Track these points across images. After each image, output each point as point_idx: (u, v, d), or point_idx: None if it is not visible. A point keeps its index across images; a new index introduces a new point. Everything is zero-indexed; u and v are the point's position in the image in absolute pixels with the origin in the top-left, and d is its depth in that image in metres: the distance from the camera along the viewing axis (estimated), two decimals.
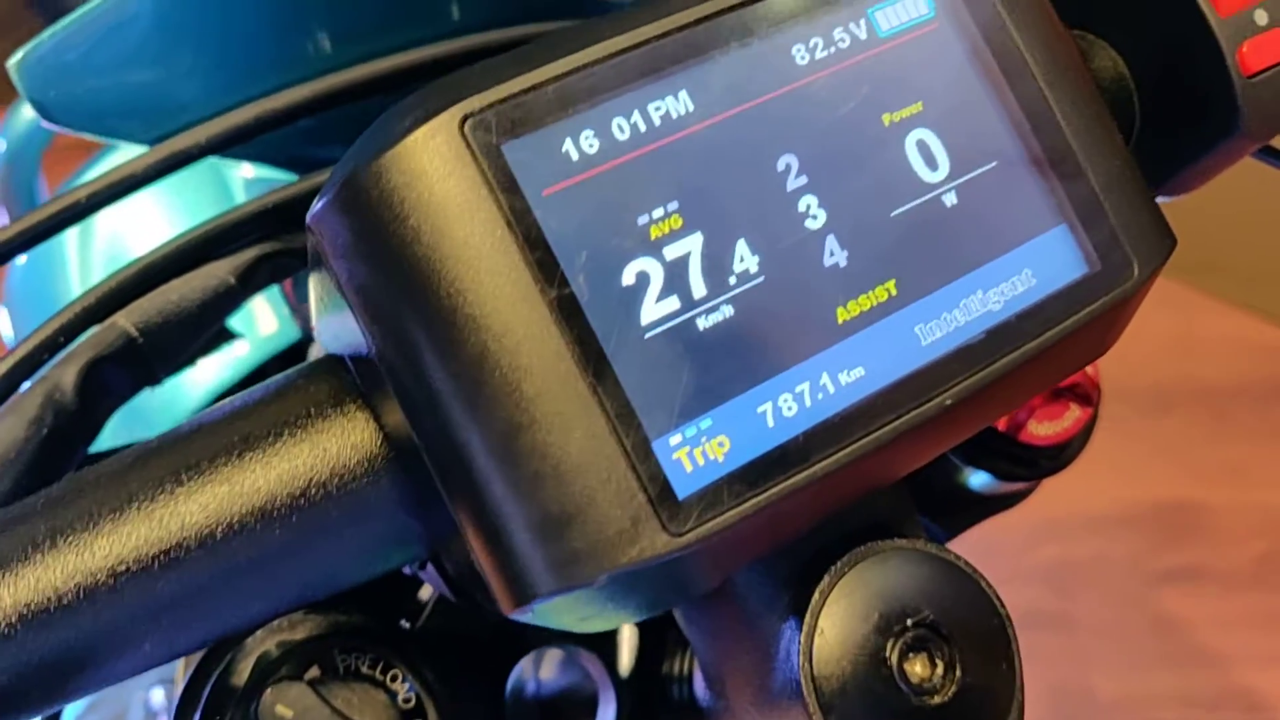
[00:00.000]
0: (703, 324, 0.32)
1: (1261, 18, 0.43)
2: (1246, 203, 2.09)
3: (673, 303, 0.32)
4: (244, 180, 0.69)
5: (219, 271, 0.43)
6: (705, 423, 0.32)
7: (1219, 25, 0.42)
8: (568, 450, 0.30)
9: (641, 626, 0.49)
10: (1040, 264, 0.36)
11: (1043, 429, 0.49)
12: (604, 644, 0.48)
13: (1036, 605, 1.85)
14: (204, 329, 0.43)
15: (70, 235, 0.74)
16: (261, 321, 0.66)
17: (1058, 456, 0.50)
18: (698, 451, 0.32)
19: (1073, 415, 0.50)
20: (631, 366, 0.31)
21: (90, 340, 0.41)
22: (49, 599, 0.32)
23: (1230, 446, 2.01)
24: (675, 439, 0.31)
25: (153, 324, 0.41)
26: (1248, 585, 1.88)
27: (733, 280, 0.33)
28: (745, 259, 0.33)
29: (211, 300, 0.42)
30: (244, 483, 0.34)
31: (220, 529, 0.33)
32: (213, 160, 0.45)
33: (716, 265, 0.33)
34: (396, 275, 0.31)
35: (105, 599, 0.33)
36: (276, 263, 0.44)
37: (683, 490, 0.31)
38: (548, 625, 0.33)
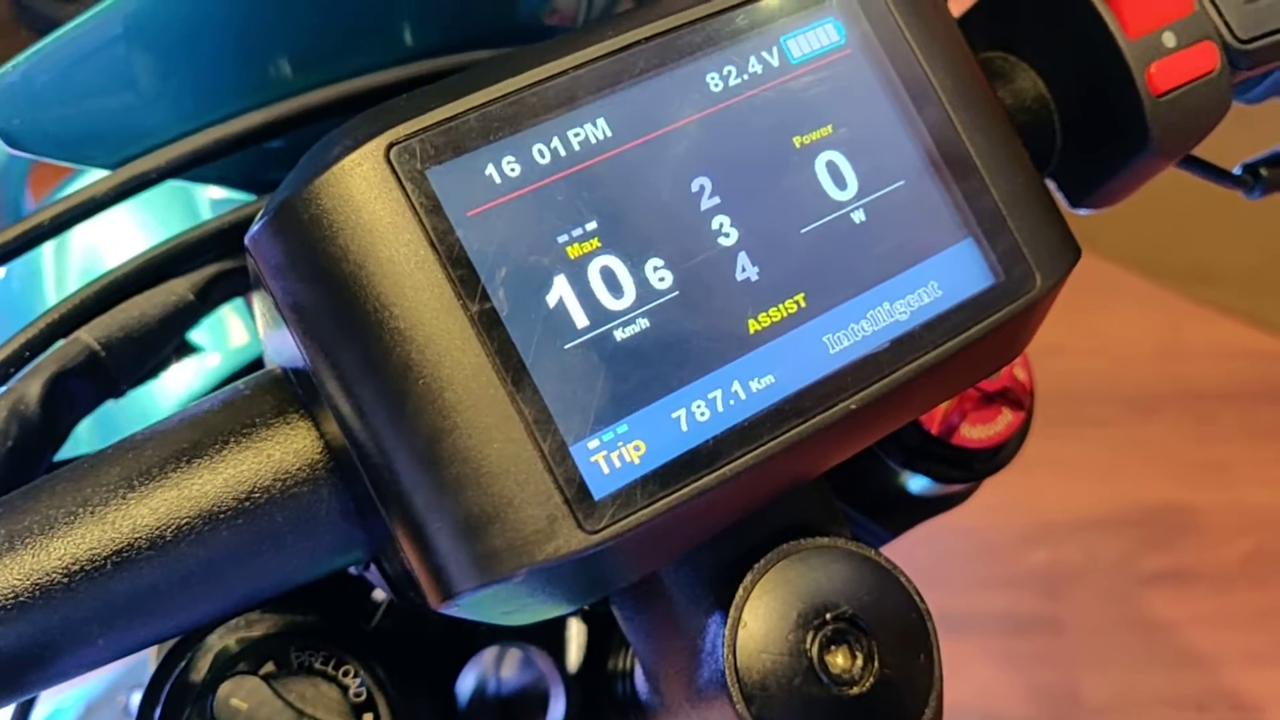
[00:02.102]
0: (619, 335, 0.34)
1: (1169, 40, 0.45)
2: (1235, 212, 2.10)
3: (590, 316, 0.34)
4: (210, 200, 0.71)
5: (178, 288, 0.45)
6: (622, 428, 0.34)
7: (1128, 47, 0.44)
8: (488, 455, 0.32)
9: (589, 624, 0.51)
10: (946, 276, 0.38)
11: (976, 432, 0.51)
12: (553, 642, 0.50)
13: (1025, 608, 1.86)
14: (165, 343, 0.45)
15: (47, 251, 0.76)
16: (232, 334, 0.68)
17: (991, 459, 0.52)
18: (614, 455, 0.34)
19: (1005, 419, 0.52)
20: (550, 376, 0.33)
21: (54, 355, 0.43)
22: (6, 598, 0.34)
23: (1216, 448, 2.02)
24: (593, 443, 0.33)
25: (115, 338, 0.43)
26: (1235, 585, 1.90)
27: (648, 295, 0.35)
28: (660, 275, 0.35)
29: (171, 315, 0.44)
30: (192, 487, 0.36)
31: (170, 531, 0.35)
32: (183, 181, 0.48)
33: (633, 281, 0.35)
34: (326, 293, 0.33)
35: (60, 598, 0.35)
36: (232, 280, 0.46)
37: (599, 491, 0.33)
38: (476, 618, 0.35)
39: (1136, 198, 0.53)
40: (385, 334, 0.33)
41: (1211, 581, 1.90)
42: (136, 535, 0.35)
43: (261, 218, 0.34)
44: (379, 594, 0.47)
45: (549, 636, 0.50)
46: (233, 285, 0.46)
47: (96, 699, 0.84)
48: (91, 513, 0.35)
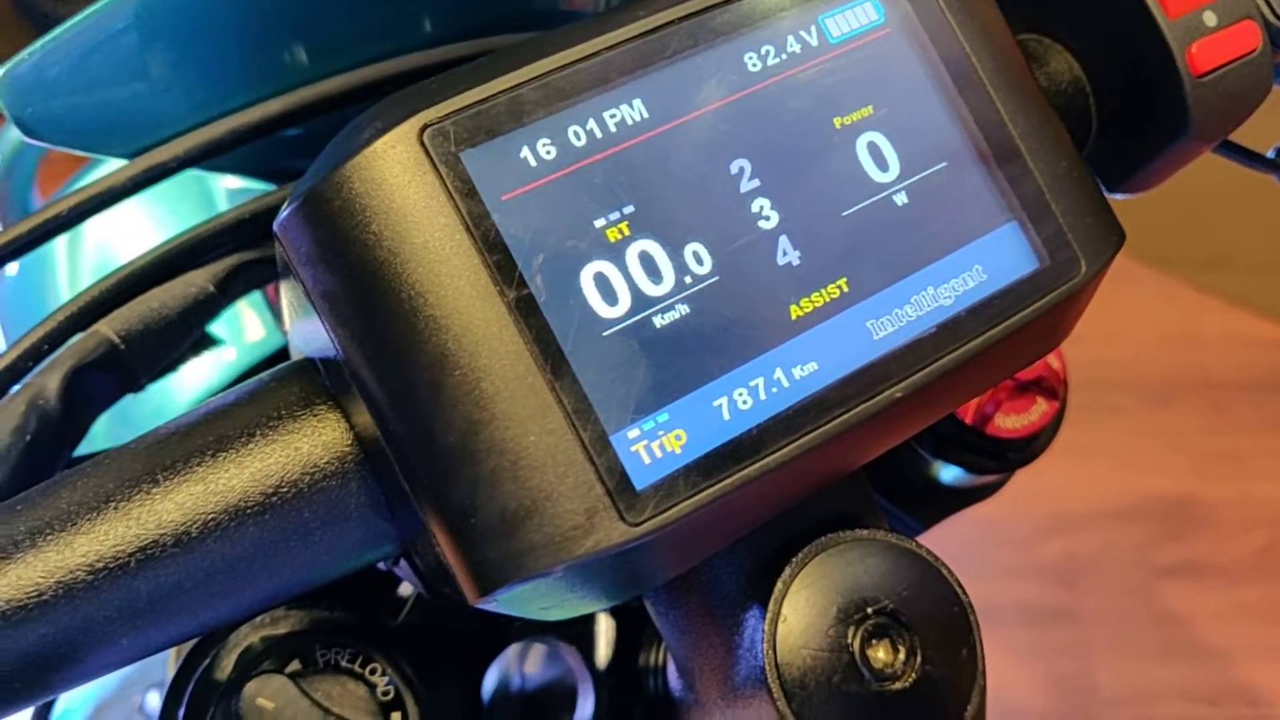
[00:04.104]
0: (659, 322, 0.33)
1: (1210, 19, 0.44)
2: (1251, 202, 2.10)
3: (629, 302, 0.33)
4: (227, 190, 0.70)
5: (198, 279, 0.44)
6: (662, 417, 0.33)
7: (1168, 27, 0.43)
8: (526, 446, 0.31)
9: (619, 619, 0.50)
10: (990, 260, 0.37)
11: (1010, 422, 0.50)
12: (582, 637, 0.50)
13: (1041, 598, 1.86)
14: (184, 335, 0.44)
15: (60, 245, 0.75)
16: (249, 328, 0.67)
17: (1025, 449, 0.51)
18: (655, 445, 0.33)
19: (1039, 409, 0.51)
20: (589, 364, 0.32)
21: (73, 348, 0.42)
22: (29, 596, 0.33)
23: (1232, 439, 2.02)
24: (633, 433, 0.32)
25: (134, 331, 0.43)
26: (1250, 578, 1.89)
27: (688, 280, 0.34)
28: (700, 259, 0.34)
29: (191, 307, 0.43)
30: (218, 482, 0.35)
31: (195, 527, 0.34)
32: (198, 172, 0.47)
33: (671, 266, 0.34)
34: (359, 280, 0.32)
35: (84, 596, 0.34)
36: (253, 271, 0.45)
37: (640, 482, 0.32)
38: (514, 614, 0.34)
39: (1152, 189, 0.52)
40: (420, 322, 0.32)
41: (1226, 574, 1.89)
42: (162, 531, 0.34)
43: (290, 204, 0.33)
44: (405, 589, 0.47)
45: (578, 631, 0.50)
46: (253, 276, 0.45)
47: (108, 697, 0.83)
48: (115, 508, 0.35)
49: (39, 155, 0.91)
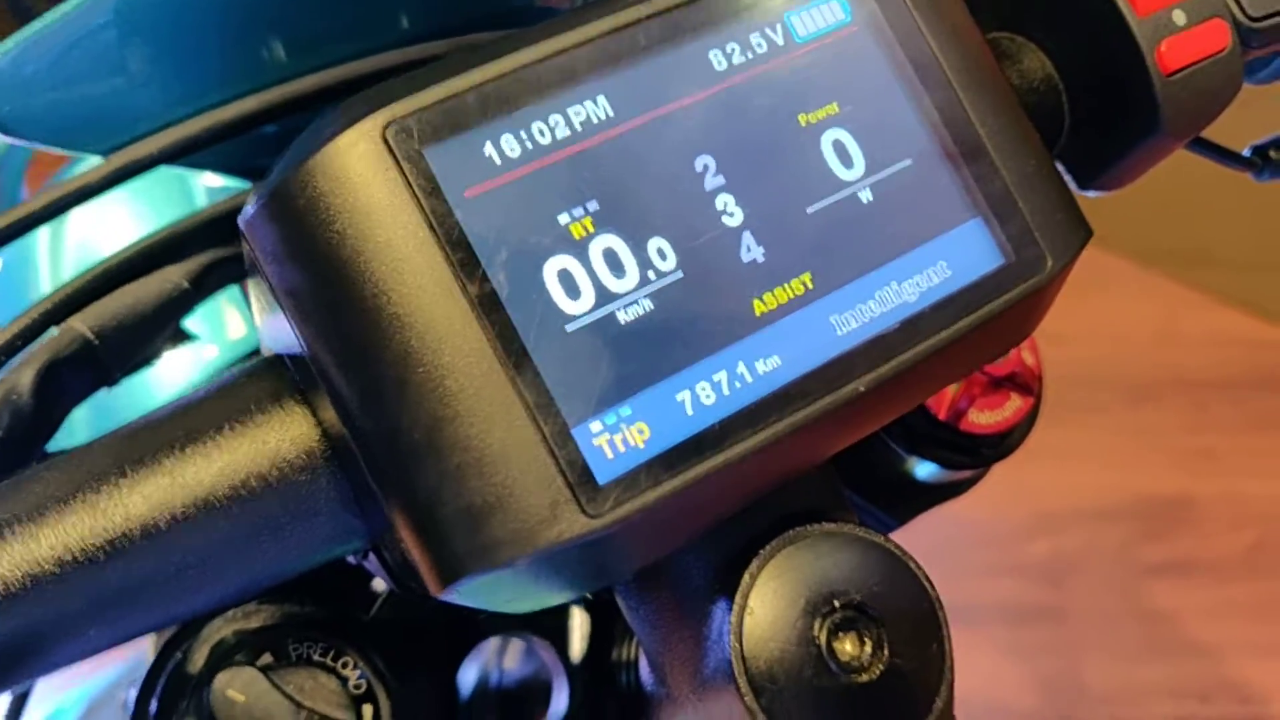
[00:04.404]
0: (622, 317, 0.34)
1: (1180, 18, 0.44)
2: (1232, 199, 2.10)
3: (592, 298, 0.33)
4: (207, 188, 0.70)
5: (173, 276, 0.44)
6: (625, 410, 0.33)
7: (1137, 25, 0.43)
8: (489, 442, 0.32)
9: (593, 614, 0.50)
10: (955, 256, 0.37)
11: (984, 418, 0.50)
12: (557, 632, 0.50)
13: (1028, 597, 1.86)
14: (159, 330, 0.44)
15: (42, 244, 0.75)
16: (230, 326, 0.67)
17: (999, 445, 0.51)
18: (618, 438, 0.33)
19: (1013, 405, 0.51)
20: (552, 359, 0.33)
21: (47, 344, 0.42)
22: None
23: (1212, 438, 2.02)
24: (595, 426, 0.33)
25: (108, 326, 0.43)
26: (1237, 576, 1.89)
27: (651, 275, 0.34)
28: (664, 255, 0.34)
29: (166, 303, 0.44)
30: (186, 475, 0.35)
31: (163, 519, 0.35)
32: (178, 170, 0.47)
33: (635, 262, 0.34)
34: (322, 278, 0.32)
35: (51, 588, 0.34)
36: (227, 267, 0.45)
37: (603, 476, 0.32)
38: (477, 606, 0.34)
39: (1133, 184, 0.52)
40: (384, 319, 0.32)
41: (1213, 572, 1.89)
42: (129, 524, 0.35)
43: (255, 201, 0.33)
44: (378, 584, 0.47)
45: (552, 626, 0.50)
46: (227, 273, 0.46)
47: (98, 697, 0.84)
48: (83, 501, 0.35)
49: (27, 155, 0.91)
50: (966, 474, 0.53)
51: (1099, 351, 2.09)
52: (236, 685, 0.41)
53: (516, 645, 0.58)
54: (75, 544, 0.34)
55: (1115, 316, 2.14)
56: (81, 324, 0.43)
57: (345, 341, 0.32)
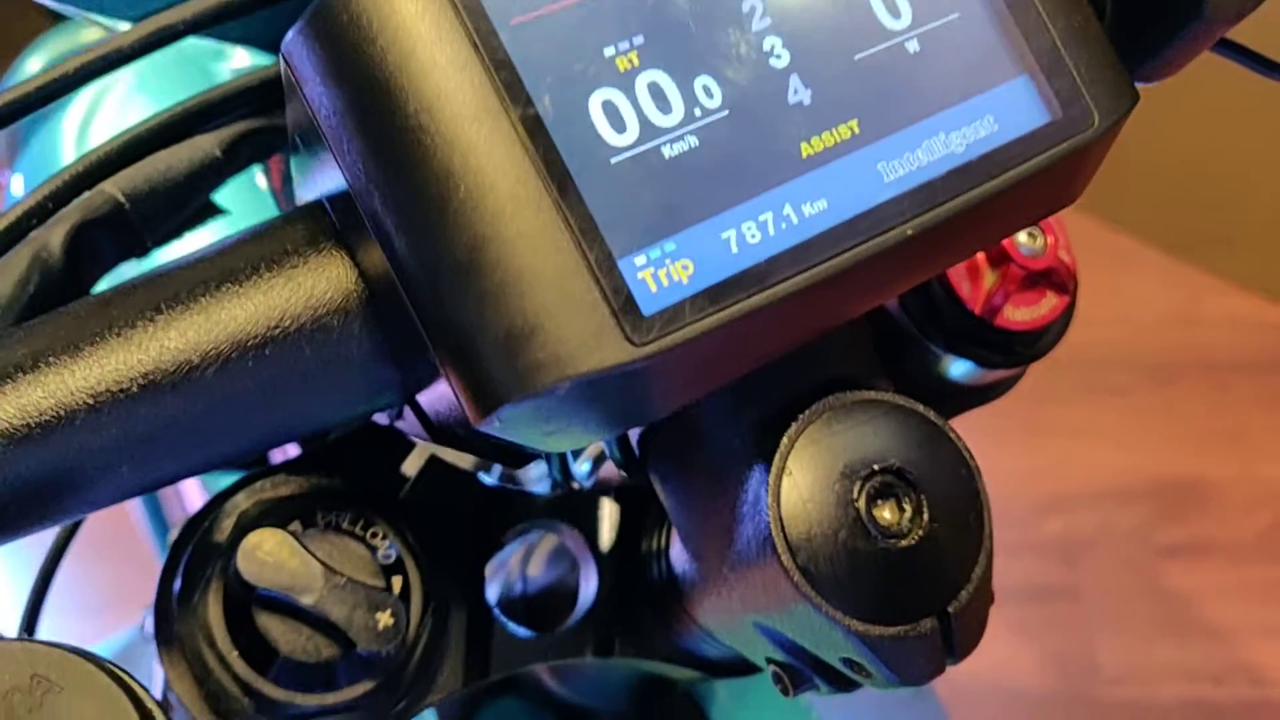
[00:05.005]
0: (667, 152, 0.33)
1: None
2: (1257, 185, 2.09)
3: (638, 131, 0.33)
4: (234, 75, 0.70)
5: (205, 144, 0.44)
6: (670, 246, 0.33)
7: None
8: (532, 263, 0.31)
9: (622, 504, 0.49)
10: (1002, 111, 0.37)
11: (1019, 314, 0.50)
12: (585, 520, 0.49)
13: (1042, 577, 1.85)
14: (190, 199, 0.43)
15: (68, 140, 0.75)
16: (262, 211, 0.67)
17: (1034, 343, 0.51)
18: (662, 273, 0.32)
19: (1049, 303, 0.50)
20: (597, 188, 0.32)
21: (78, 205, 0.42)
22: (30, 419, 0.33)
23: (1234, 420, 2.01)
24: (640, 259, 0.32)
25: (140, 191, 0.42)
26: (1252, 558, 1.88)
27: (697, 112, 0.34)
28: (710, 93, 0.34)
29: (198, 171, 0.43)
30: (221, 313, 0.35)
31: (197, 356, 0.34)
32: (204, 60, 0.46)
33: (681, 98, 0.34)
34: (365, 97, 0.32)
35: (85, 420, 0.34)
36: (260, 139, 0.45)
37: (648, 307, 0.32)
38: (515, 439, 0.34)
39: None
40: (426, 138, 0.31)
41: (1229, 554, 1.89)
42: (163, 359, 0.34)
43: (298, 23, 0.33)
44: (410, 468, 0.46)
45: (581, 516, 0.49)
46: (260, 145, 0.45)
47: (128, 645, 0.83)
48: (118, 334, 0.34)
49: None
50: (1000, 375, 0.52)
51: (1120, 334, 2.09)
52: (266, 547, 0.40)
53: (543, 550, 0.57)
54: (109, 377, 0.34)
55: (1137, 299, 2.13)
56: (113, 188, 0.42)
57: (386, 163, 0.32)
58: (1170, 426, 2.00)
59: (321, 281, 0.35)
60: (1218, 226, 2.17)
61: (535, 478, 0.55)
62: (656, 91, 0.33)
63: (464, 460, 0.47)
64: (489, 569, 0.48)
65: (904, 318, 0.50)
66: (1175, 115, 2.03)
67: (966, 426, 0.42)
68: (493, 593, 0.49)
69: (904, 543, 0.38)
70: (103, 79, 0.47)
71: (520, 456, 0.41)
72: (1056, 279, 0.50)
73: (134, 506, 1.06)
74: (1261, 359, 2.09)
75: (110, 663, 0.33)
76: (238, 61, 0.68)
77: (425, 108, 0.31)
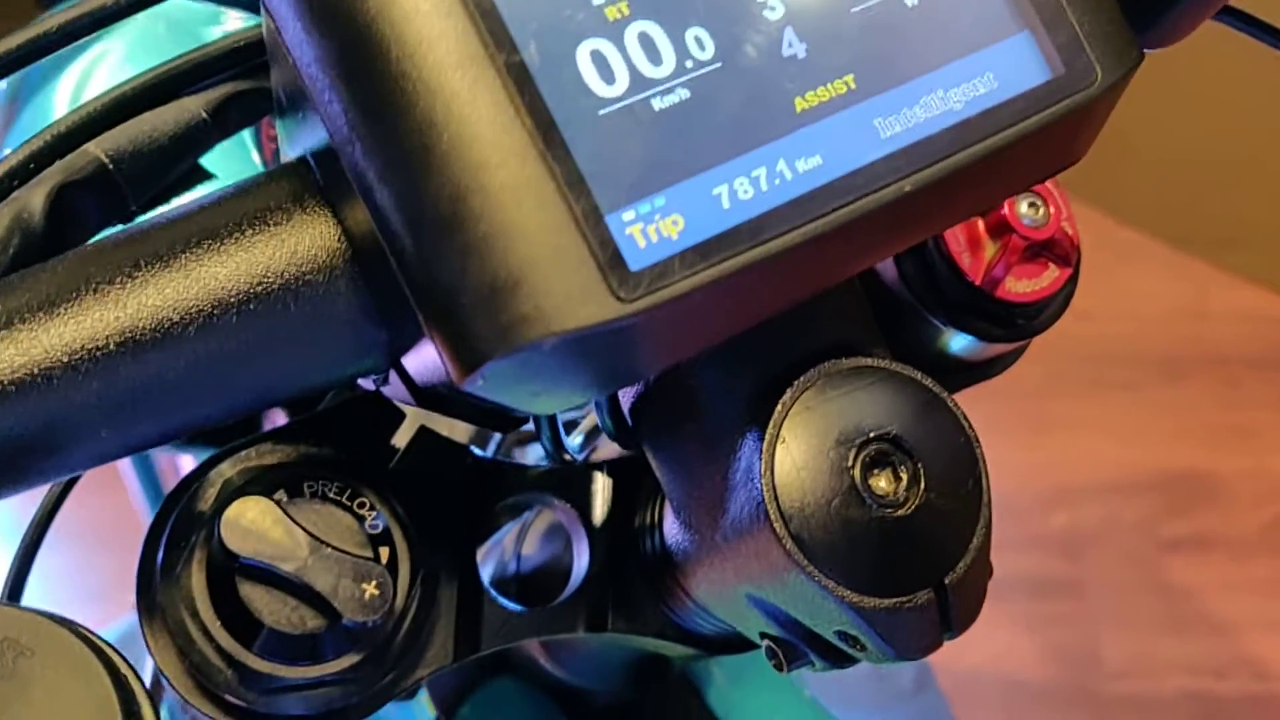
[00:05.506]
0: (658, 105, 0.32)
1: None
2: (1262, 179, 2.08)
3: (627, 83, 0.32)
4: None
5: (191, 105, 0.43)
6: (659, 201, 0.32)
7: None
8: (516, 216, 0.30)
9: (614, 478, 0.49)
10: (1002, 68, 0.36)
11: (1020, 286, 0.49)
12: (578, 495, 0.48)
13: (1046, 571, 1.84)
14: (176, 162, 0.43)
15: (60, 108, 0.74)
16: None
17: (1036, 316, 0.50)
18: (651, 228, 0.32)
19: (1051, 275, 0.49)
20: (584, 140, 0.31)
21: (61, 165, 0.41)
22: (4, 378, 0.32)
23: (1244, 415, 2.00)
24: (628, 214, 0.31)
25: (124, 152, 0.41)
26: (1257, 552, 1.87)
27: (689, 64, 0.33)
28: (702, 45, 0.33)
29: (183, 133, 0.42)
30: (202, 270, 0.34)
31: (177, 313, 0.33)
32: (197, 28, 0.46)
33: (672, 49, 0.33)
34: (347, 43, 0.31)
35: (61, 380, 0.33)
36: (247, 102, 0.44)
37: (636, 263, 0.31)
38: (500, 399, 0.33)
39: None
40: (409, 86, 0.30)
41: (1234, 548, 1.88)
42: (142, 316, 0.33)
43: None
44: (399, 440, 0.45)
45: (573, 489, 0.48)
46: (248, 108, 0.44)
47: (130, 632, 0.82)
48: (95, 291, 0.34)
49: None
50: (1001, 348, 0.51)
51: (1128, 329, 2.07)
52: (249, 516, 0.39)
53: (536, 530, 0.56)
54: (86, 334, 0.33)
55: (1144, 294, 2.12)
56: (97, 148, 0.41)
57: (368, 112, 0.31)
58: (1177, 421, 1.99)
59: (305, 239, 0.34)
60: (1225, 221, 2.16)
61: (532, 459, 0.54)
62: (647, 42, 0.32)
63: (456, 432, 0.47)
64: (481, 552, 0.47)
65: (903, 290, 0.49)
66: (1182, 109, 2.02)
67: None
68: (486, 574, 0.48)
69: (899, 512, 0.37)
70: (93, 48, 0.46)
71: (507, 420, 0.40)
72: (1059, 250, 0.49)
73: (136, 492, 1.06)
74: (1270, 354, 2.08)
75: (89, 631, 0.33)
76: (230, 29, 0.67)
77: (407, 55, 0.30)
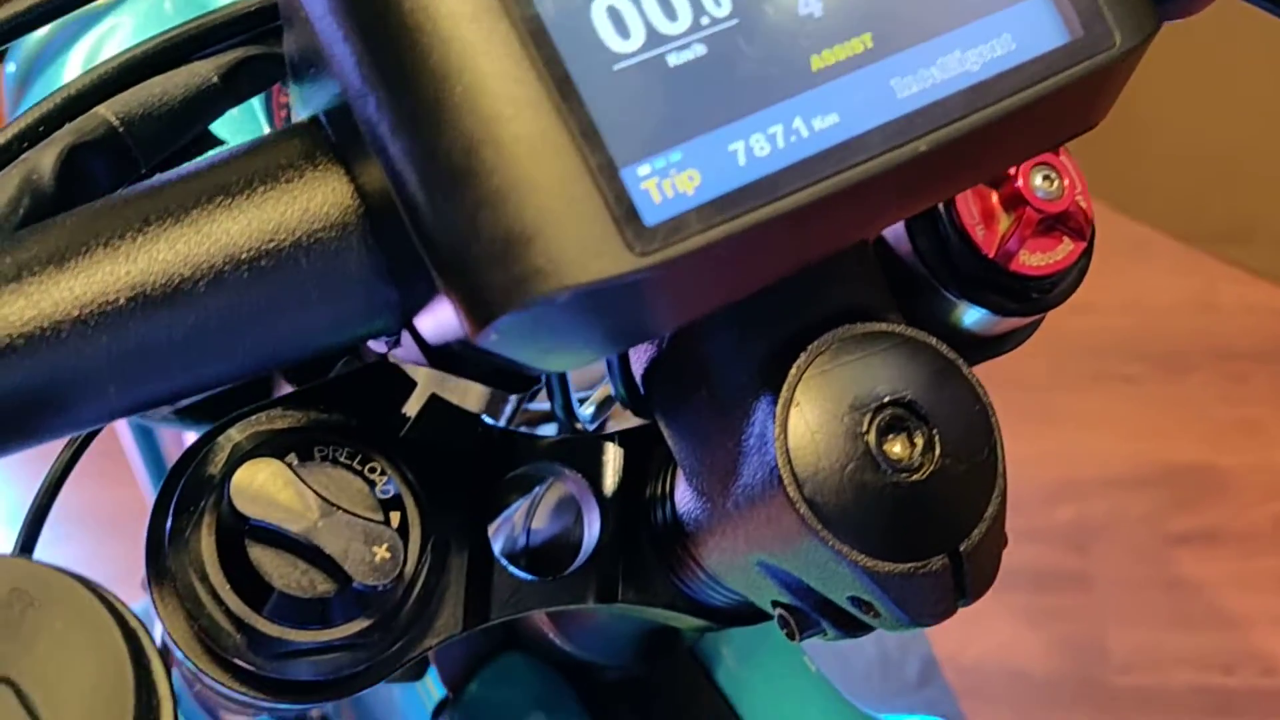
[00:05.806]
0: (673, 60, 0.32)
1: None
2: (1270, 174, 2.08)
3: (643, 38, 0.32)
4: None
5: (202, 69, 0.42)
6: (675, 156, 0.32)
7: None
8: (530, 168, 0.30)
9: (625, 448, 0.48)
10: (1020, 29, 0.36)
11: (1034, 260, 0.48)
12: (589, 464, 0.48)
13: (1054, 564, 1.84)
14: (186, 126, 0.42)
15: (70, 78, 0.74)
16: None
17: (1050, 290, 0.49)
18: (666, 183, 0.31)
19: (1065, 248, 0.49)
20: (599, 94, 0.31)
21: (71, 127, 0.40)
22: (12, 330, 0.32)
23: (1250, 409, 1.99)
24: (644, 169, 0.31)
25: (134, 115, 0.41)
26: (1265, 547, 1.87)
27: (704, 20, 0.33)
28: (719, 1, 0.33)
29: (194, 96, 0.42)
30: (213, 226, 0.34)
31: (188, 268, 0.33)
32: (207, 3, 0.45)
33: (689, 4, 0.32)
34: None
35: (70, 334, 0.33)
36: (258, 67, 0.43)
37: (650, 217, 0.31)
38: (513, 356, 0.33)
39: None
40: (423, 37, 0.30)
41: (1242, 543, 1.87)
42: (152, 272, 0.33)
43: None
44: (410, 408, 0.45)
45: (584, 459, 0.48)
46: (259, 74, 0.44)
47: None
48: (105, 246, 0.33)
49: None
50: (1016, 323, 0.51)
51: (1135, 322, 2.07)
52: (259, 478, 0.39)
53: (547, 503, 0.56)
54: (95, 288, 0.33)
55: (1151, 287, 2.12)
56: (107, 111, 0.41)
57: (381, 64, 0.31)
58: (1184, 415, 1.98)
59: (318, 195, 0.34)
60: (1233, 215, 2.15)
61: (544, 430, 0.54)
62: None
63: (468, 401, 0.46)
64: (492, 528, 0.47)
65: (916, 262, 0.49)
66: (1190, 102, 2.02)
67: None
68: (496, 547, 0.48)
69: (914, 478, 0.37)
70: (101, 24, 0.46)
71: (519, 380, 0.40)
72: (1073, 224, 0.49)
73: (140, 471, 1.06)
74: (1278, 348, 2.07)
75: (99, 585, 0.32)
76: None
77: (421, 6, 0.30)
